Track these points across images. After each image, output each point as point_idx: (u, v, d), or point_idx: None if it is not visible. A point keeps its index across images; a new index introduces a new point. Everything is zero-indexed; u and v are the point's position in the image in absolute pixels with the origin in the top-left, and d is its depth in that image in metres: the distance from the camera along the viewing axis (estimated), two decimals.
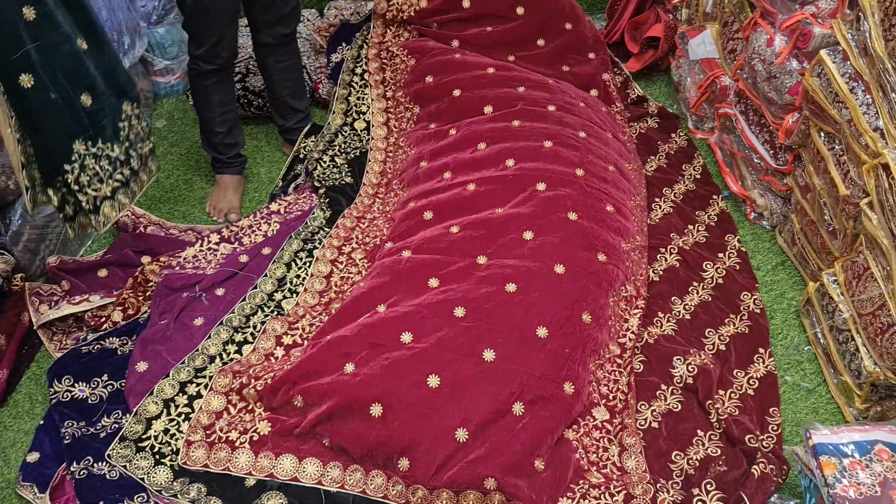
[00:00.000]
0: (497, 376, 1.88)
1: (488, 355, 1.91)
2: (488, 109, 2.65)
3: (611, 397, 1.98)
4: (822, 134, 2.06)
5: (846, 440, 1.59)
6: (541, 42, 2.93)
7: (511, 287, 2.05)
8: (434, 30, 2.95)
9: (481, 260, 2.14)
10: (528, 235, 2.18)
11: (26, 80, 1.83)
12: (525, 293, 2.03)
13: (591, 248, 2.18)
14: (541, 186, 2.32)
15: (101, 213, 2.16)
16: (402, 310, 2.03)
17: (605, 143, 2.58)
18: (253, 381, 1.97)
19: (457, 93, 2.72)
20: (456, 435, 1.80)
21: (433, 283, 2.10)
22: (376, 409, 1.84)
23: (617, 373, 2.02)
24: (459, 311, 2.00)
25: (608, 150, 2.56)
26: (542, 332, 1.96)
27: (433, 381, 1.87)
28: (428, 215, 2.34)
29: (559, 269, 2.10)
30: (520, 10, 2.93)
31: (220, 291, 2.27)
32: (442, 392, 1.85)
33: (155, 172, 2.38)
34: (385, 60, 2.91)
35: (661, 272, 2.35)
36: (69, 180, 2.03)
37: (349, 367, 1.92)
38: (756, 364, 2.09)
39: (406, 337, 1.96)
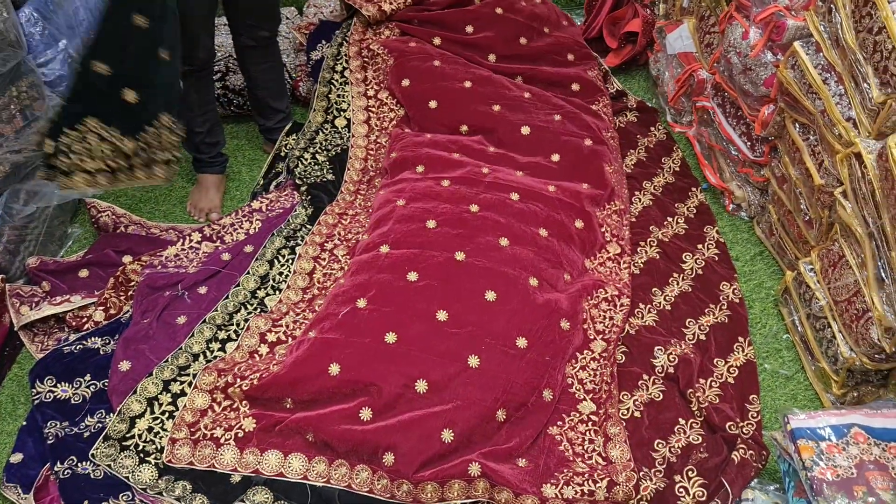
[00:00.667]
0: (483, 382, 1.92)
1: (473, 361, 1.95)
2: (464, 129, 2.67)
3: (596, 390, 2.00)
4: (797, 125, 2.09)
5: (823, 424, 1.62)
6: (523, 41, 2.95)
7: (490, 296, 2.08)
8: (415, 26, 2.96)
9: (459, 256, 2.16)
10: (503, 242, 2.22)
11: (101, 67, 1.97)
12: (504, 303, 2.08)
13: (559, 266, 2.24)
14: (514, 196, 2.36)
15: (71, 177, 2.12)
16: (385, 309, 2.04)
17: (581, 154, 2.59)
18: (239, 380, 1.97)
19: (433, 104, 2.73)
20: (442, 436, 1.83)
21: (412, 276, 2.12)
22: (366, 413, 1.87)
23: (602, 367, 2.05)
24: (442, 315, 2.03)
25: (585, 162, 2.57)
26: (521, 342, 2.01)
27: (421, 385, 1.90)
28: (401, 202, 2.36)
29: (533, 281, 2.14)
30: (499, 10, 2.95)
31: (202, 290, 2.27)
32: (429, 395, 1.89)
33: (159, 179, 2.23)
34: (367, 59, 2.91)
35: (641, 264, 2.37)
36: (64, 140, 2.06)
37: (334, 369, 1.93)
38: (736, 353, 2.12)
39: (390, 337, 1.98)
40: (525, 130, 2.63)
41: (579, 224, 2.37)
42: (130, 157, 2.12)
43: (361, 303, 2.06)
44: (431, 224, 2.27)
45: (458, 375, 1.92)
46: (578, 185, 2.49)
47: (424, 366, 1.93)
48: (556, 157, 2.56)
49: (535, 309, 2.08)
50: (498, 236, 2.23)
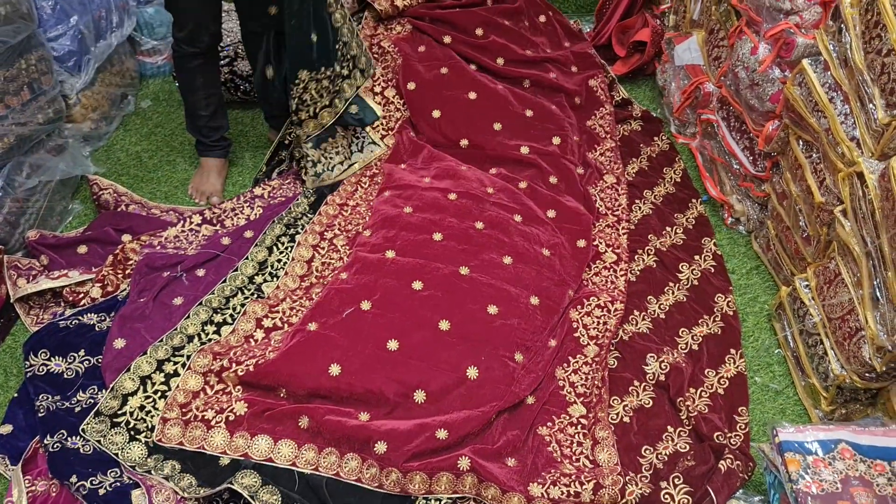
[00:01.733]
0: (482, 394, 1.96)
1: (472, 373, 1.99)
2: (464, 143, 2.71)
3: (587, 394, 2.02)
4: (801, 142, 2.11)
5: (811, 438, 1.63)
6: (529, 52, 2.98)
7: (493, 309, 2.13)
8: (427, 23, 2.97)
9: (464, 271, 2.22)
10: (507, 260, 2.27)
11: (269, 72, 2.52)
12: (505, 317, 2.12)
13: (562, 284, 2.27)
14: (517, 218, 2.42)
15: (318, 117, 2.49)
16: (389, 315, 2.08)
17: (574, 181, 2.63)
18: (234, 364, 1.97)
19: (436, 114, 2.76)
20: (437, 434, 1.86)
21: (417, 285, 2.16)
22: (363, 416, 1.90)
23: (594, 371, 2.07)
24: (444, 325, 2.07)
25: (576, 187, 2.61)
26: (518, 357, 2.05)
27: (419, 395, 1.94)
28: (408, 209, 2.38)
29: (534, 300, 2.19)
30: (506, 22, 2.99)
31: (200, 272, 2.27)
32: (426, 405, 1.93)
33: (367, 75, 2.57)
34: (376, 55, 2.92)
35: (637, 272, 2.39)
36: (295, 96, 2.45)
37: (335, 370, 1.95)
38: (727, 364, 2.13)
39: (392, 344, 2.01)
40: (524, 150, 2.68)
41: (581, 243, 2.41)
42: (347, 77, 2.49)
43: (366, 305, 2.09)
44: (438, 237, 2.31)
45: (457, 387, 1.97)
46: (577, 206, 2.53)
47: (424, 375, 1.97)
48: (553, 180, 2.61)
49: (532, 326, 2.13)
50: (502, 255, 2.29)
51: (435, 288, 2.16)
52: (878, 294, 1.75)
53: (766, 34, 2.20)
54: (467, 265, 2.24)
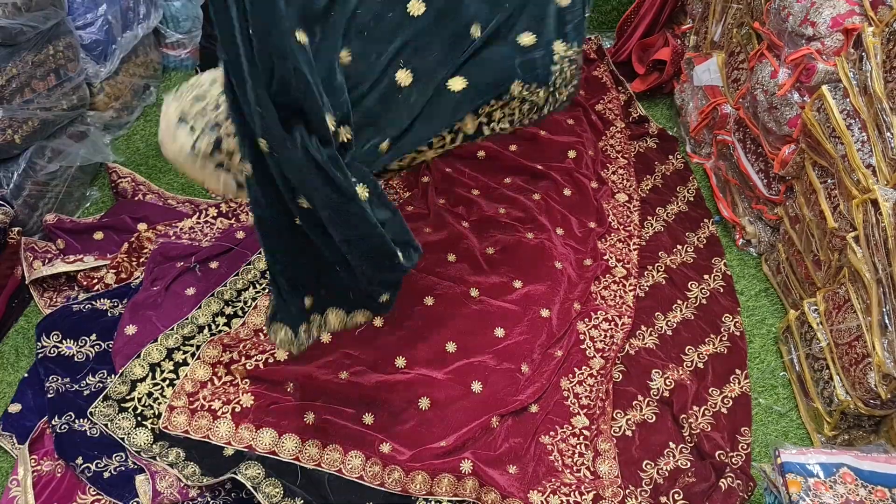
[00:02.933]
0: (487, 405, 1.99)
1: (476, 387, 2.03)
2: (481, 154, 2.75)
3: (591, 406, 2.03)
4: (816, 167, 2.12)
5: (813, 461, 1.64)
6: None
7: (500, 332, 2.17)
8: None
9: (474, 293, 2.26)
10: (517, 284, 2.31)
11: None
12: (512, 337, 2.16)
13: (568, 300, 2.30)
14: (529, 235, 2.45)
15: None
16: (399, 332, 2.12)
17: (588, 194, 2.66)
18: (244, 358, 2.00)
19: None
20: (440, 443, 1.89)
21: (429, 301, 2.20)
22: (368, 419, 1.93)
23: (598, 383, 2.08)
24: (451, 347, 2.11)
25: (589, 200, 2.64)
26: (524, 368, 2.08)
27: (424, 402, 1.97)
28: (427, 230, 2.43)
29: (544, 313, 2.22)
30: None
31: (213, 264, 2.30)
32: (430, 412, 1.97)
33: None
34: None
35: (647, 288, 2.40)
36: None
37: (344, 375, 1.99)
38: (732, 384, 2.14)
39: (400, 361, 2.05)
40: (539, 167, 2.72)
41: (588, 262, 2.43)
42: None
43: (377, 321, 2.14)
44: (451, 258, 2.35)
45: (461, 399, 2.00)
46: (587, 220, 2.57)
47: (429, 388, 2.00)
48: (567, 192, 2.65)
49: (539, 338, 2.16)
50: (512, 279, 2.32)
51: (445, 306, 2.20)
52: (887, 321, 1.75)
53: (786, 59, 2.22)
54: (478, 288, 2.28)
